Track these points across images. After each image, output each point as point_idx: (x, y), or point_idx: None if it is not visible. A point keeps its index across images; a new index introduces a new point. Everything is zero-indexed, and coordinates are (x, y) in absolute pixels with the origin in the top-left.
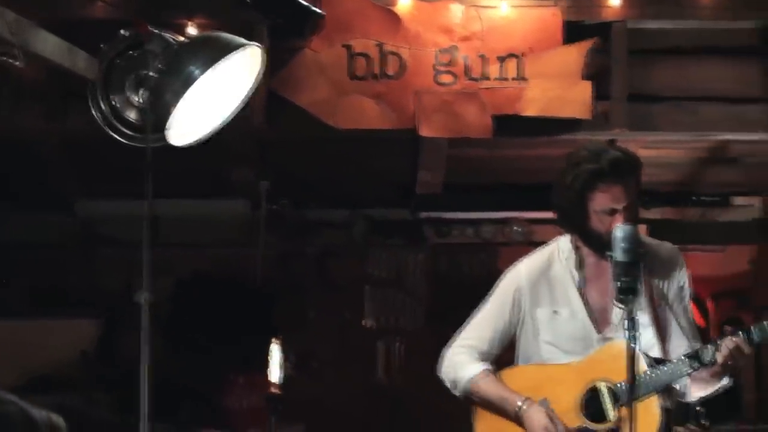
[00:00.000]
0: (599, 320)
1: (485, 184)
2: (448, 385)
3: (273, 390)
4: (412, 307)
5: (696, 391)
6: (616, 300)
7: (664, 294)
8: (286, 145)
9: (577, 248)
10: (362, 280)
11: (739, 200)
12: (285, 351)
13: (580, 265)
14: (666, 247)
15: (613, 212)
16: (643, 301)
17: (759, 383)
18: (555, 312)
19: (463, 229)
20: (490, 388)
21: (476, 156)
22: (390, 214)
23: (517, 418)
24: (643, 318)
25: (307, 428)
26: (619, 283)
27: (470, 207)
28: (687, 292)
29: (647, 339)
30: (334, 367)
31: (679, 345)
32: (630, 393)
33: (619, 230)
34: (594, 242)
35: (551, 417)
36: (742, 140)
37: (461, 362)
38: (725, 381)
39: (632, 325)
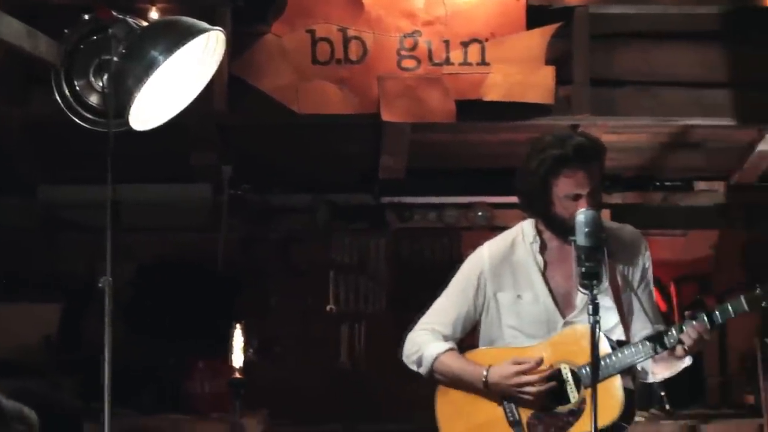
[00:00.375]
0: (562, 304)
1: (448, 168)
2: (413, 366)
3: (236, 375)
4: (374, 292)
5: (658, 372)
6: (579, 285)
7: (627, 277)
8: (248, 129)
9: (540, 232)
10: (325, 265)
11: (701, 185)
12: (248, 336)
13: (543, 249)
14: (628, 230)
15: (577, 197)
16: (606, 284)
17: (722, 368)
18: (518, 296)
19: (425, 214)
20: (454, 363)
21: (439, 141)
22: (353, 199)
23: (484, 387)
24: (606, 301)
25: (270, 412)
26: (582, 268)
27: (433, 192)
28: (650, 275)
29: (610, 322)
30: (297, 351)
31: (643, 328)
32: (593, 377)
33: (582, 215)
34: (558, 227)
35: (518, 361)
36: (704, 125)
37: (425, 341)
38: (687, 361)
39: (595, 309)
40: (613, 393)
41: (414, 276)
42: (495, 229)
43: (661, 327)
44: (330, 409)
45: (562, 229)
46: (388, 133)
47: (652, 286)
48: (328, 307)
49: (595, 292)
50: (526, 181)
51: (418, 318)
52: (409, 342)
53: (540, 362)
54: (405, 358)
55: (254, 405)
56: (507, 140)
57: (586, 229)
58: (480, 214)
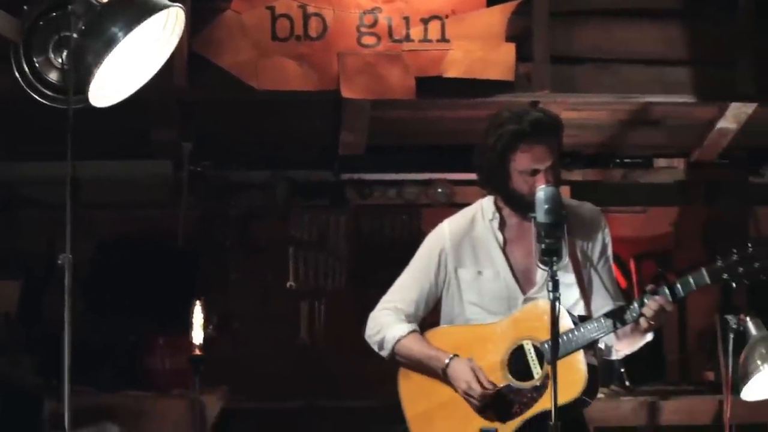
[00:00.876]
0: (523, 280)
1: (408, 145)
2: (375, 347)
3: (196, 351)
4: (334, 269)
5: (621, 349)
6: (539, 261)
7: (588, 254)
8: (208, 106)
9: (499, 209)
10: (285, 242)
11: (661, 162)
12: (207, 312)
13: (503, 226)
14: (587, 207)
15: (535, 172)
16: (566, 261)
17: (681, 345)
18: (479, 272)
19: (385, 191)
20: (416, 347)
21: (399, 117)
22: (312, 176)
23: (443, 375)
24: (567, 278)
25: (230, 389)
26: (542, 245)
27: (393, 168)
28: (609, 251)
29: (571, 298)
30: (257, 328)
31: (604, 304)
32: (553, 353)
33: (542, 192)
34: (516, 203)
35: (475, 371)
36: (664, 102)
37: (388, 323)
38: (648, 337)
39: (555, 286)
40: (576, 368)
41: (374, 253)
42: (455, 205)
43: (621, 303)
44: (290, 386)
45: (521, 204)
46: (347, 109)
47: (611, 263)
48: (287, 284)
49: (555, 268)
50: (485, 157)
51: (379, 295)
52: (372, 322)
53: (494, 388)
54: (367, 338)
55: (214, 381)
56: (467, 117)
57: (546, 206)
58: (440, 190)
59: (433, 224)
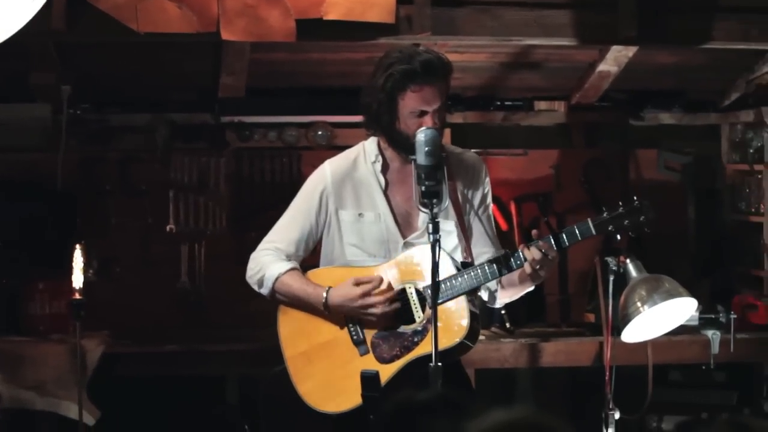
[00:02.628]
0: (404, 225)
1: (288, 88)
2: (255, 286)
3: (76, 295)
4: (214, 211)
5: (504, 297)
6: (419, 204)
7: (469, 200)
8: (87, 49)
9: (382, 152)
10: (164, 185)
11: (541, 105)
12: (88, 256)
13: (385, 169)
14: (470, 155)
15: (423, 114)
16: (448, 208)
17: (562, 286)
18: (360, 214)
19: (265, 133)
20: (295, 284)
21: (279, 60)
22: (192, 119)
23: (325, 309)
24: (447, 225)
25: (110, 333)
26: (422, 187)
27: (273, 111)
28: (489, 199)
29: (451, 244)
30: (137, 271)
31: (485, 252)
32: (433, 295)
33: (422, 134)
34: (402, 145)
35: (360, 280)
36: (545, 45)
37: (267, 262)
38: (530, 287)
39: (435, 228)
40: (458, 314)
41: (254, 195)
42: (335, 148)
43: (501, 251)
44: (171, 330)
45: (406, 146)
46: (227, 52)
47: (491, 211)
48: (168, 227)
49: (435, 211)
50: (373, 97)
51: (259, 237)
52: (252, 262)
53: (381, 281)
54: (248, 279)
55: (95, 326)
56: (348, 60)
57: (427, 149)
58: (320, 133)
59: (314, 167)
